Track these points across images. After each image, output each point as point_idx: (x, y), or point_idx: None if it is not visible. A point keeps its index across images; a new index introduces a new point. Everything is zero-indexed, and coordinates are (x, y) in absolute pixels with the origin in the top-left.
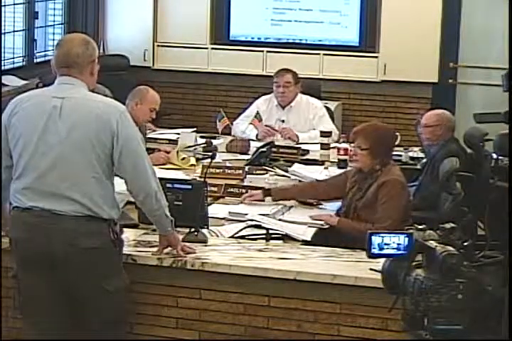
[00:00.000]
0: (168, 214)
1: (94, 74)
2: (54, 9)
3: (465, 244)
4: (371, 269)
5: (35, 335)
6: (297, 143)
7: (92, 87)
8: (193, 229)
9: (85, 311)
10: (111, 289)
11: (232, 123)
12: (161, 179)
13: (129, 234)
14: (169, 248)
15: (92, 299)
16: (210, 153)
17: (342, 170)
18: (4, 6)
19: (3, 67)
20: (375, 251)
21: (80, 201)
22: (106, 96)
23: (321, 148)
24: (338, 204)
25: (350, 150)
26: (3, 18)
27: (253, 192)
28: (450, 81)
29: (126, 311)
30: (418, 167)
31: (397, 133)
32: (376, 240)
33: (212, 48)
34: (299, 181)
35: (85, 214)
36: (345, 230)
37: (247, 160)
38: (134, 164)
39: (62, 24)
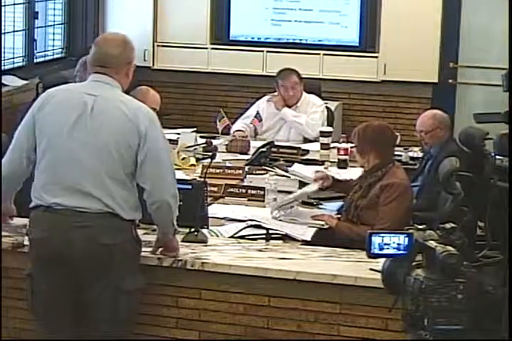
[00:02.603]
0: (175, 222)
1: (130, 75)
2: (54, 9)
3: (465, 244)
4: (371, 269)
5: (48, 335)
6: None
7: (125, 87)
8: (193, 229)
9: (97, 310)
10: (126, 288)
11: (232, 124)
12: None
13: None
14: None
15: (106, 297)
16: (210, 153)
17: (342, 170)
18: (4, 6)
19: (3, 67)
20: (375, 251)
21: (103, 200)
22: None
23: (321, 148)
24: (338, 204)
25: (351, 151)
26: (3, 18)
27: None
28: (450, 81)
29: (137, 312)
30: (417, 167)
31: (397, 133)
32: (376, 240)
33: (212, 48)
34: (299, 181)
35: (108, 211)
36: (343, 233)
37: (247, 160)
38: (156, 173)
39: (62, 24)
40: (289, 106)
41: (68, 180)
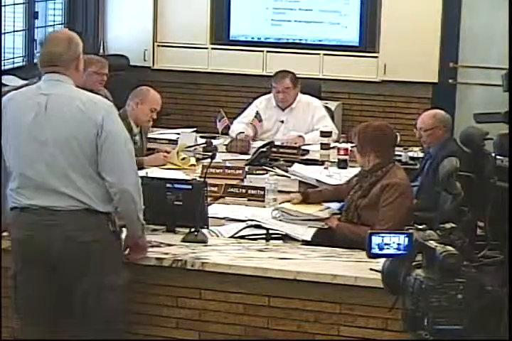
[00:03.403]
0: (142, 217)
1: (80, 69)
2: (54, 9)
3: (465, 244)
4: (371, 269)
5: (32, 335)
6: (303, 145)
7: (79, 82)
8: (193, 229)
9: (83, 308)
10: (111, 284)
11: (231, 123)
12: (161, 179)
13: None
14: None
15: (91, 295)
16: (210, 153)
17: (342, 170)
18: (4, 6)
19: (3, 67)
20: (375, 251)
21: (74, 196)
22: (106, 98)
23: (321, 148)
24: (339, 204)
25: (351, 151)
26: (3, 18)
27: (292, 196)
28: (450, 81)
29: (124, 309)
30: (417, 167)
31: (397, 133)
32: (376, 240)
33: (212, 48)
34: (299, 181)
35: (82, 207)
36: (343, 234)
37: (247, 160)
38: (113, 162)
39: (62, 24)
40: (283, 109)
41: (37, 181)
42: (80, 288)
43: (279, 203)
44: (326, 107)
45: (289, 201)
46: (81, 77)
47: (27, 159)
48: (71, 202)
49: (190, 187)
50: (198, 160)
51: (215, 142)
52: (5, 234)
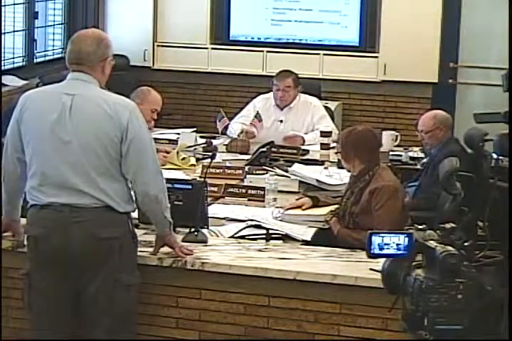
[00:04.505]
0: (169, 216)
1: (106, 72)
2: (54, 9)
3: (465, 244)
4: (371, 269)
5: (44, 333)
6: (303, 145)
7: (103, 84)
8: (193, 229)
9: (98, 305)
10: (125, 283)
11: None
12: None
13: None
14: (167, 248)
15: (106, 292)
16: (210, 153)
17: (342, 170)
18: (4, 6)
19: (3, 67)
20: (375, 251)
21: (95, 196)
22: None
23: (321, 148)
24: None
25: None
26: (3, 18)
27: (302, 201)
28: (450, 81)
29: (135, 309)
30: (418, 167)
31: (397, 134)
32: (376, 240)
33: (212, 48)
34: (299, 181)
35: (103, 205)
36: (345, 240)
37: (247, 160)
38: (138, 163)
39: (62, 24)
40: (281, 108)
41: (58, 179)
42: (95, 285)
43: (286, 209)
44: (326, 107)
45: (299, 207)
46: (105, 80)
47: (49, 158)
48: (92, 200)
49: (190, 187)
50: (198, 160)
51: (215, 142)
52: (5, 234)
